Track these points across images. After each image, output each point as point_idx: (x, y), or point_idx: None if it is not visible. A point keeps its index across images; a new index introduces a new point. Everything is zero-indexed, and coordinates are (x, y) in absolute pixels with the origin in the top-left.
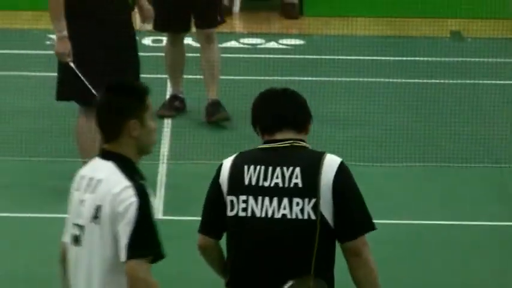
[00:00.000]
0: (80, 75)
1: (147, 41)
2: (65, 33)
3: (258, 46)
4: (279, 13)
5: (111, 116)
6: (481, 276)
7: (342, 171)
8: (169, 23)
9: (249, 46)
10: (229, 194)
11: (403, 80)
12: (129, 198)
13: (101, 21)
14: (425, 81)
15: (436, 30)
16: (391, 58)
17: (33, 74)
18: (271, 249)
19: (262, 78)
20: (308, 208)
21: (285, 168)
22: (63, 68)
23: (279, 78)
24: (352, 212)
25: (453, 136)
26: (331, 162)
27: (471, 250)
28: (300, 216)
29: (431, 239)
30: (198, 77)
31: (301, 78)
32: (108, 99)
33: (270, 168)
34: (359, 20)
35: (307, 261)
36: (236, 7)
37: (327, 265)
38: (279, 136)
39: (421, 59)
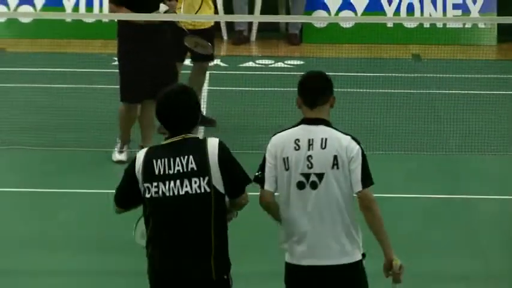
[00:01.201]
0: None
1: None
2: None
3: (269, 65)
4: (285, 41)
5: (328, 89)
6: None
7: (222, 149)
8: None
9: (263, 66)
10: (144, 182)
11: (377, 90)
12: (355, 146)
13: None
14: (392, 91)
15: (401, 53)
16: (368, 74)
17: (100, 86)
18: (179, 218)
19: (272, 89)
20: (204, 184)
21: (182, 158)
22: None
23: (285, 89)
24: (236, 175)
25: (414, 131)
26: (213, 144)
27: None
28: (198, 191)
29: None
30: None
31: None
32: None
33: (172, 160)
34: (344, 46)
35: (207, 223)
36: (253, 37)
37: (222, 225)
38: (177, 134)
39: (390, 74)
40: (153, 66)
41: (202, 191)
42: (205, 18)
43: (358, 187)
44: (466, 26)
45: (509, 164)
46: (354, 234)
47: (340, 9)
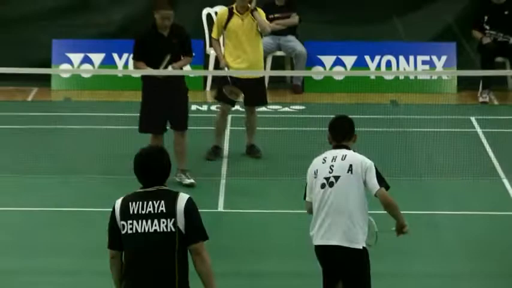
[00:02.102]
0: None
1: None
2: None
3: (278, 110)
4: (290, 90)
5: (352, 128)
6: None
7: (189, 202)
8: (227, 99)
9: (273, 110)
10: (121, 220)
11: (362, 129)
12: (368, 161)
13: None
14: (375, 129)
15: (381, 99)
16: (355, 116)
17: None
18: (148, 251)
19: (281, 129)
20: (170, 224)
21: (154, 202)
22: None
23: (290, 128)
24: (193, 224)
25: (391, 160)
26: (181, 197)
27: None
28: (165, 230)
29: None
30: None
31: (303, 129)
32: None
33: (145, 202)
34: (336, 94)
35: (172, 257)
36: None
37: (184, 261)
38: (149, 187)
39: (373, 116)
40: (168, 107)
41: (169, 230)
42: (218, 73)
43: (376, 188)
44: (433, 77)
45: (466, 186)
46: (359, 227)
47: (333, 65)
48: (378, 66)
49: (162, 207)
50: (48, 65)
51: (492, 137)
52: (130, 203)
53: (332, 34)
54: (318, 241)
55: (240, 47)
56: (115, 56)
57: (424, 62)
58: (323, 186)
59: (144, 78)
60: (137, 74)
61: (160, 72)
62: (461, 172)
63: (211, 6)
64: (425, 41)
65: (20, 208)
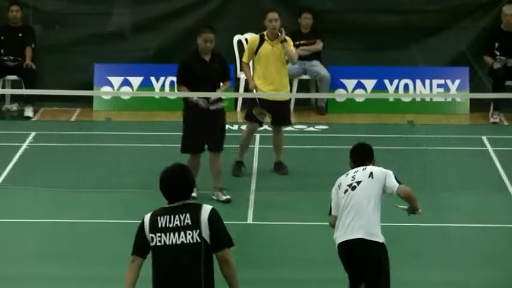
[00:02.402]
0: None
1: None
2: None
3: (304, 129)
4: (315, 111)
5: (371, 153)
6: None
7: (212, 213)
8: (255, 119)
9: (299, 129)
10: (150, 233)
11: (382, 147)
12: (385, 170)
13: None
14: (393, 147)
15: (399, 120)
16: (375, 135)
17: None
18: (176, 262)
19: (306, 147)
20: (196, 235)
21: (180, 215)
22: None
23: (314, 146)
24: (218, 233)
25: (408, 176)
26: (205, 209)
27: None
28: (191, 241)
29: None
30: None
31: (326, 147)
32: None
33: (172, 216)
34: (357, 115)
35: (198, 267)
36: (291, 108)
37: (210, 270)
38: (175, 202)
39: (391, 135)
40: (206, 129)
41: (194, 241)
42: (247, 95)
43: (396, 186)
44: (447, 100)
45: (477, 200)
46: (377, 225)
47: (354, 88)
48: (396, 89)
49: (187, 219)
50: (90, 87)
51: (502, 155)
52: (158, 217)
53: (354, 59)
54: (341, 239)
55: (268, 71)
56: (152, 79)
57: (439, 86)
58: (346, 191)
59: (188, 102)
60: (173, 96)
61: (197, 94)
62: (473, 187)
63: (242, 33)
64: (440, 65)
65: (65, 220)
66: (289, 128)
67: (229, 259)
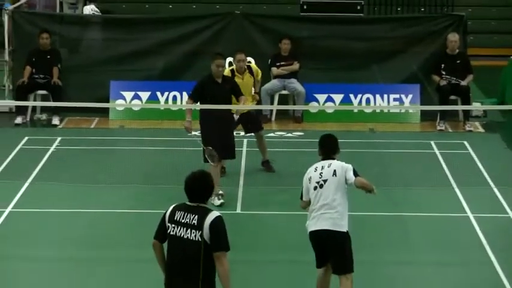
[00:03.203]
0: (202, 147)
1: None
2: (189, 120)
3: (283, 135)
4: (293, 120)
5: (336, 144)
6: None
7: (216, 219)
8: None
9: (279, 136)
10: (168, 222)
11: (346, 150)
12: (347, 164)
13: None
14: (356, 150)
15: (362, 127)
16: (342, 140)
17: (170, 148)
18: (180, 253)
19: (286, 150)
20: (198, 235)
21: (191, 215)
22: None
23: (292, 149)
24: (216, 237)
25: (369, 174)
26: (211, 215)
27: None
28: (194, 239)
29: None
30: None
31: (302, 150)
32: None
33: (185, 214)
34: (328, 123)
35: (198, 261)
36: (273, 118)
37: (210, 267)
38: (193, 202)
39: (355, 140)
40: (221, 138)
41: (196, 239)
42: (248, 107)
43: (352, 179)
44: (401, 111)
45: (427, 193)
46: (343, 216)
47: (325, 101)
48: (360, 102)
49: (194, 220)
50: (107, 100)
51: (447, 157)
52: (177, 211)
53: (325, 78)
54: (312, 228)
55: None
56: (158, 93)
57: (395, 99)
58: (315, 188)
59: (203, 116)
60: (175, 108)
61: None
62: (423, 184)
63: (233, 56)
64: (396, 83)
65: (85, 210)
66: (271, 134)
67: (223, 260)
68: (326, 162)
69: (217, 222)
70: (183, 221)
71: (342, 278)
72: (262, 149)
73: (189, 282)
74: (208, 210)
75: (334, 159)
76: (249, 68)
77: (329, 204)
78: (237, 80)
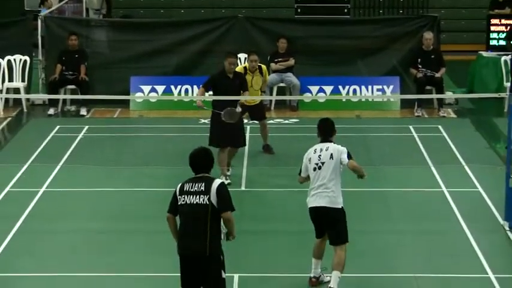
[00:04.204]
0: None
1: None
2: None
3: (281, 122)
4: (289, 109)
5: (333, 127)
6: None
7: (221, 185)
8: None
9: (277, 122)
10: (179, 195)
11: (338, 135)
12: (343, 148)
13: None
14: (345, 134)
15: (350, 114)
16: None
17: (183, 134)
18: (192, 215)
19: (283, 134)
20: (206, 199)
21: (199, 183)
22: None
23: (289, 134)
24: (223, 200)
25: (356, 155)
26: (216, 181)
27: None
28: (203, 202)
29: None
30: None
31: (298, 135)
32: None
33: (194, 183)
34: (320, 111)
35: (205, 221)
36: (272, 107)
37: (215, 224)
38: (198, 174)
39: (344, 126)
40: (229, 126)
41: (204, 203)
42: (253, 97)
43: (346, 161)
44: (384, 100)
45: (406, 171)
46: (338, 194)
47: (317, 92)
48: (347, 92)
49: (202, 187)
50: (127, 93)
51: (423, 139)
52: (185, 184)
53: (317, 72)
54: (312, 204)
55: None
56: (172, 87)
57: (378, 90)
58: (315, 169)
59: (215, 106)
60: (187, 99)
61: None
62: (403, 162)
63: (237, 53)
64: (379, 75)
65: (110, 188)
66: (271, 121)
67: (230, 218)
68: (324, 145)
69: (222, 187)
70: (191, 190)
71: (337, 248)
72: (264, 135)
73: (199, 240)
74: (213, 179)
75: (331, 141)
76: (260, 68)
77: (326, 184)
78: (248, 77)
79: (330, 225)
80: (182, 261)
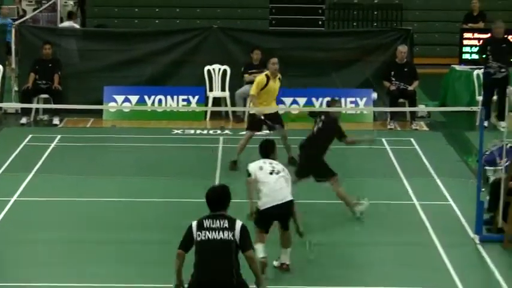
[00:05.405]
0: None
1: (205, 131)
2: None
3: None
4: None
5: (274, 148)
6: None
7: (243, 226)
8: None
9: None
10: (197, 231)
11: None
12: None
13: None
14: None
15: None
16: (305, 137)
17: (155, 145)
18: (212, 252)
19: (255, 145)
20: (230, 235)
21: (220, 220)
22: None
23: None
24: (247, 239)
25: (333, 164)
26: (238, 221)
27: None
28: (227, 238)
29: None
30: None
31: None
32: None
33: (215, 220)
34: (294, 123)
35: (231, 255)
36: (245, 118)
37: (238, 261)
38: (216, 211)
39: None
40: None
41: (229, 238)
42: (215, 109)
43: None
44: (357, 112)
45: (377, 183)
46: (290, 191)
47: (291, 104)
48: (321, 104)
49: (225, 224)
50: (101, 103)
51: (395, 151)
52: (204, 220)
53: (290, 84)
54: (271, 204)
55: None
56: (145, 97)
57: (351, 102)
58: (271, 173)
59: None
60: (160, 109)
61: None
62: (375, 174)
63: (210, 64)
64: (352, 88)
65: (81, 198)
66: (243, 132)
67: (253, 257)
68: (273, 162)
69: (245, 227)
70: (213, 226)
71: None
72: (286, 145)
73: (222, 275)
74: (234, 218)
75: (274, 159)
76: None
77: (284, 189)
78: (270, 84)
79: (282, 216)
80: None
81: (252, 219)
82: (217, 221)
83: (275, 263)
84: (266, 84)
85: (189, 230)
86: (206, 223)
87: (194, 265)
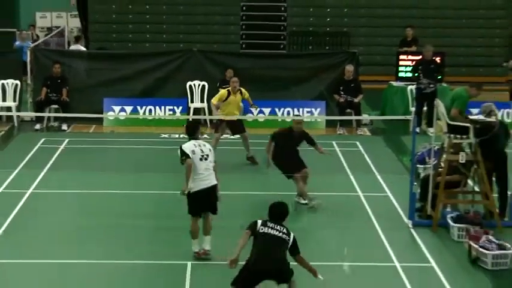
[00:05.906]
0: None
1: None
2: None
3: (227, 137)
4: None
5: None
6: None
7: (295, 236)
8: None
9: (224, 137)
10: (261, 226)
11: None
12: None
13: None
14: None
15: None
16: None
17: (149, 147)
18: (272, 244)
19: (228, 148)
20: (287, 238)
21: (281, 227)
22: None
23: (233, 148)
24: (297, 247)
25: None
26: (291, 232)
27: None
28: (285, 238)
29: None
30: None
31: (241, 148)
32: None
33: (276, 225)
34: (259, 129)
35: (284, 250)
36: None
37: (286, 255)
38: (278, 221)
39: None
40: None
41: (286, 239)
42: (195, 117)
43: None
44: (312, 120)
45: (327, 180)
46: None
47: (258, 113)
48: (283, 114)
49: (284, 230)
50: (101, 112)
51: (344, 153)
52: (268, 222)
53: (258, 97)
54: (201, 187)
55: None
56: (138, 107)
57: (307, 112)
58: (201, 159)
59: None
60: (150, 117)
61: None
62: (326, 171)
63: (191, 80)
64: (309, 100)
65: (87, 191)
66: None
67: (304, 259)
68: (198, 144)
69: (295, 238)
70: (275, 227)
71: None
72: (246, 146)
73: (278, 262)
74: (288, 228)
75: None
76: (240, 90)
77: (211, 170)
78: (231, 98)
79: (209, 198)
80: (255, 273)
81: (184, 195)
82: (279, 226)
83: (195, 249)
84: (227, 98)
85: (254, 222)
86: (270, 224)
87: (251, 251)
